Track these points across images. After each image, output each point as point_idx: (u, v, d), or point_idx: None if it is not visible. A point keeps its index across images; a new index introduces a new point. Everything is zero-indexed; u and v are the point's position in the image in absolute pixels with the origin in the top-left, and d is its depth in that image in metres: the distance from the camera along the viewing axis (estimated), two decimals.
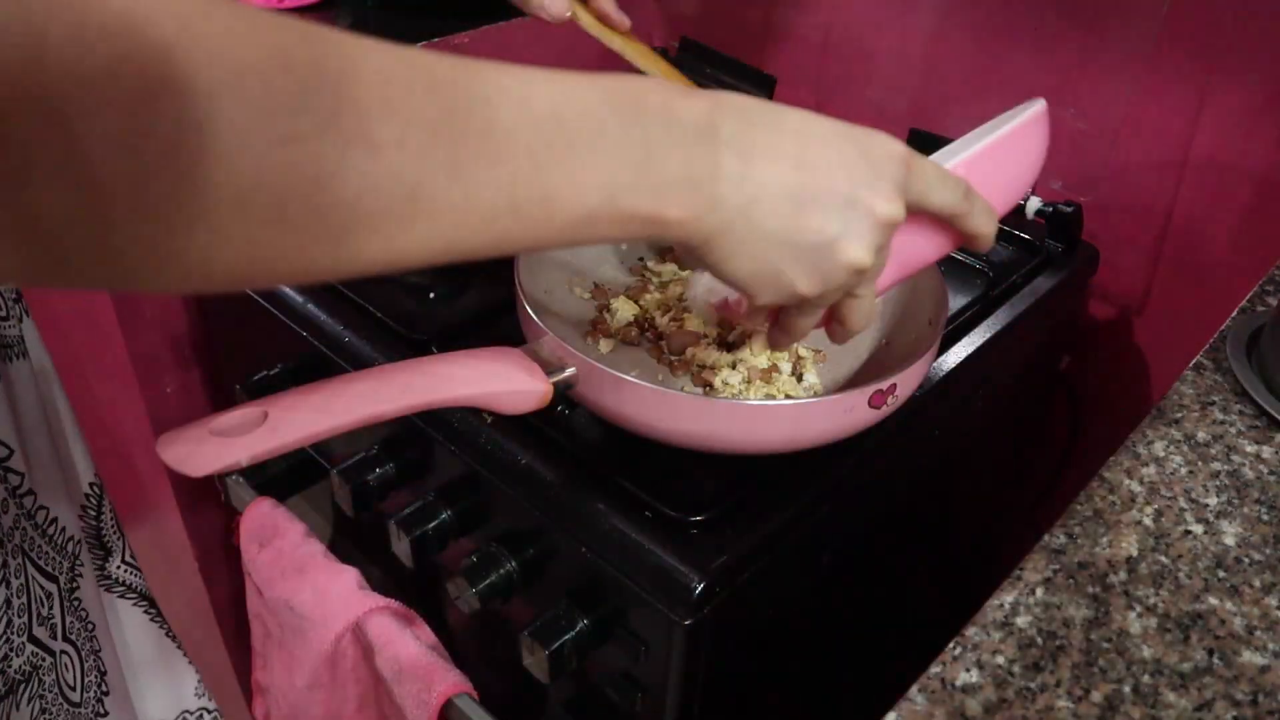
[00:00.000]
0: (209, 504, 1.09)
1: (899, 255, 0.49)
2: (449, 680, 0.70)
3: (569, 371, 0.56)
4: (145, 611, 0.75)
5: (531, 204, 0.37)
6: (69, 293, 0.99)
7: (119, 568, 0.72)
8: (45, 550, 0.63)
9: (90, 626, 0.67)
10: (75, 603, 0.66)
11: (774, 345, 0.53)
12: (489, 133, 0.35)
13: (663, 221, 0.41)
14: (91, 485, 0.69)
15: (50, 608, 0.62)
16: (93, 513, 0.70)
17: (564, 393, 0.56)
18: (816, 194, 0.43)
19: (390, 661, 0.73)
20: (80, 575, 0.67)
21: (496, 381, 0.53)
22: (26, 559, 0.60)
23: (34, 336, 0.64)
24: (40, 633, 0.61)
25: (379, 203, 0.33)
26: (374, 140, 0.32)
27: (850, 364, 0.69)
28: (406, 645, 0.73)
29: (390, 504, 0.72)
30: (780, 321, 0.51)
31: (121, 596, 0.73)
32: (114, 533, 0.71)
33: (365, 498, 0.72)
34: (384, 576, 0.83)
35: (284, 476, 0.87)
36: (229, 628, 1.19)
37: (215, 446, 0.43)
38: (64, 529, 0.65)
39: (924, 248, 0.51)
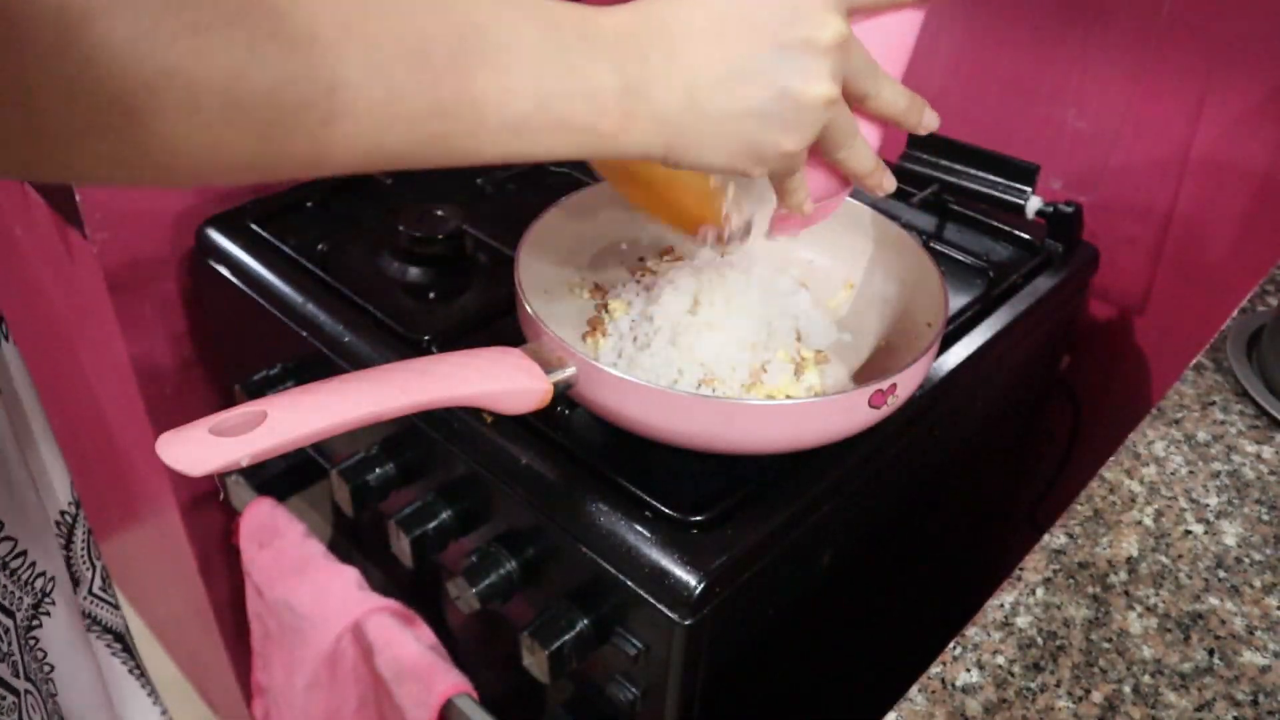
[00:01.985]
0: (209, 504, 1.09)
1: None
2: (449, 680, 0.70)
3: (569, 371, 0.56)
4: (108, 647, 0.71)
5: (460, 106, 0.38)
6: (69, 294, 0.99)
7: (85, 599, 0.68)
8: (3, 583, 0.59)
9: (48, 668, 0.62)
10: (30, 642, 0.61)
11: (807, 214, 0.53)
12: (404, 35, 0.36)
13: (603, 133, 0.41)
14: (63, 514, 0.65)
15: (9, 644, 0.58)
16: (62, 541, 0.65)
17: (564, 393, 0.56)
18: (750, 54, 0.43)
19: (390, 661, 0.73)
20: (46, 614, 0.62)
21: (496, 381, 0.53)
22: None
23: (14, 356, 0.61)
24: (1, 669, 0.58)
25: (297, 96, 0.33)
26: (286, 34, 0.32)
27: (850, 364, 0.69)
28: (406, 645, 0.73)
29: (390, 504, 0.72)
30: (786, 191, 0.52)
31: (86, 630, 0.67)
32: (84, 563, 0.67)
33: (365, 498, 0.72)
34: (384, 576, 0.83)
35: (284, 476, 0.87)
36: (229, 628, 1.19)
37: (215, 446, 0.43)
38: (33, 564, 0.60)
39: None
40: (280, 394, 0.46)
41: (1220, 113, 0.82)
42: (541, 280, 0.69)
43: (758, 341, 0.66)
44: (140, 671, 0.74)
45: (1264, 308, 0.71)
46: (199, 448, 0.42)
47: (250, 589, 0.86)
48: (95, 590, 0.70)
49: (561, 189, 0.72)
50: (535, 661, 0.60)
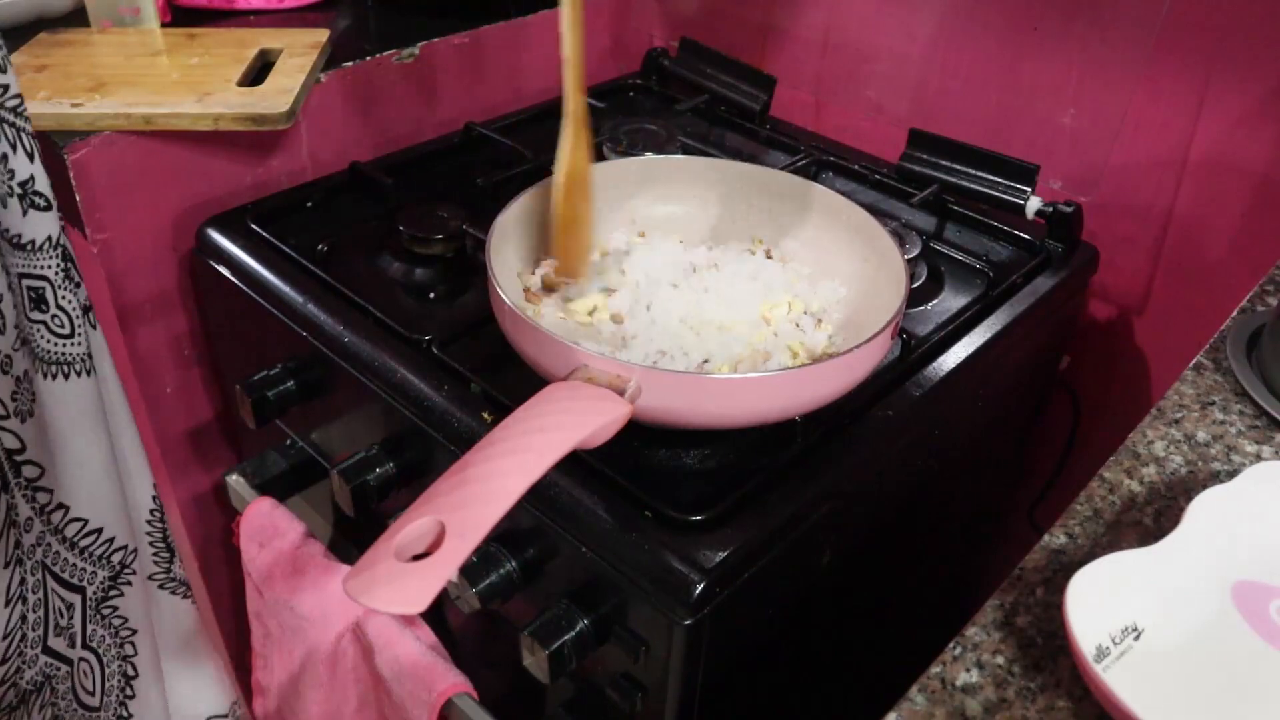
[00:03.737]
0: (209, 504, 1.09)
1: None
2: (449, 680, 0.70)
3: (633, 385, 0.55)
4: (193, 603, 0.77)
5: None
6: None
7: (180, 568, 0.72)
8: (72, 562, 0.62)
9: (126, 633, 0.67)
10: (107, 611, 0.65)
11: None
12: None
13: None
14: (154, 498, 0.69)
15: (70, 618, 0.62)
16: (159, 515, 0.70)
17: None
18: None
19: (390, 661, 0.73)
20: (127, 583, 0.66)
21: (594, 417, 0.52)
22: (47, 573, 0.60)
23: (100, 346, 0.63)
24: (57, 643, 0.61)
25: None
26: None
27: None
28: (406, 645, 0.73)
29: (390, 504, 0.72)
30: None
31: (184, 595, 0.74)
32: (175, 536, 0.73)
33: (365, 498, 0.72)
34: None
35: (284, 476, 0.87)
36: (229, 628, 1.19)
37: (421, 572, 0.42)
38: (111, 539, 0.63)
39: None
40: (434, 492, 0.46)
41: (1220, 113, 0.82)
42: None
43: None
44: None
45: (1264, 308, 0.71)
46: (403, 580, 0.41)
47: (250, 589, 0.86)
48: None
49: None
50: (535, 661, 0.60)
